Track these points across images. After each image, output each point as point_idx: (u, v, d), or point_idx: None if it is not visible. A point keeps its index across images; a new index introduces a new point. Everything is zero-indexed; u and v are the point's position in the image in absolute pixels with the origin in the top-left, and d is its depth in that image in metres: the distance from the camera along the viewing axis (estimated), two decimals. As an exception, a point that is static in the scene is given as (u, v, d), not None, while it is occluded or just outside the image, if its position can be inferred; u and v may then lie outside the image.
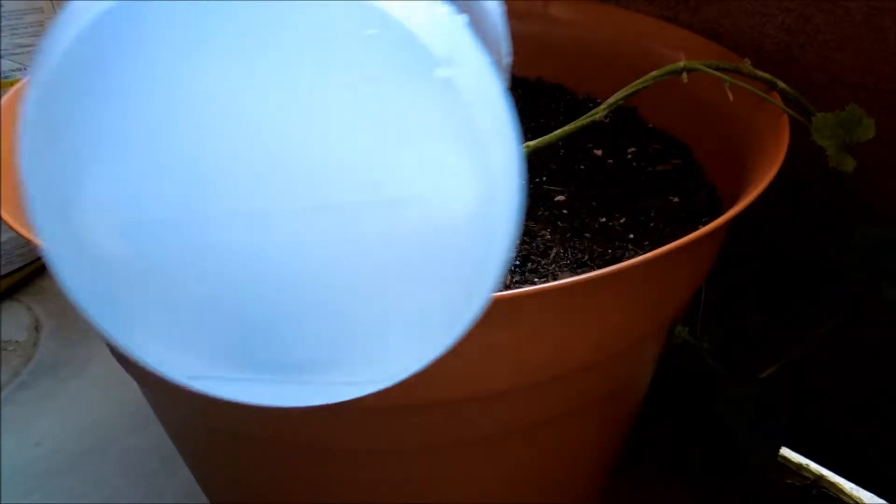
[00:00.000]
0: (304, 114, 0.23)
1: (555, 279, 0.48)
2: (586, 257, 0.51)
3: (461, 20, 0.25)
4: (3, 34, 0.86)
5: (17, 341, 0.89)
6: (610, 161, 0.61)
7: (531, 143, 0.54)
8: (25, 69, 0.88)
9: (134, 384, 0.54)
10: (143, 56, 0.23)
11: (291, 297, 0.25)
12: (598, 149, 0.63)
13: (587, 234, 0.53)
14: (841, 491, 0.72)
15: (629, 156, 0.62)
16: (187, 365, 0.28)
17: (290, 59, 0.23)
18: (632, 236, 0.53)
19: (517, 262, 0.50)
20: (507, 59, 0.31)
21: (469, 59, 0.25)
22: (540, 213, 0.55)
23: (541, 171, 0.60)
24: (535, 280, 0.48)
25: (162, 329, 0.27)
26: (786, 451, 0.75)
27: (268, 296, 0.25)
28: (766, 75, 0.54)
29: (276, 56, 0.23)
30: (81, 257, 0.25)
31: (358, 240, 0.24)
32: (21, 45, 0.88)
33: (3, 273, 0.92)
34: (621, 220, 0.55)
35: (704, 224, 0.52)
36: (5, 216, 0.45)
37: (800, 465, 0.74)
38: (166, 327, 0.27)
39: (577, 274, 0.48)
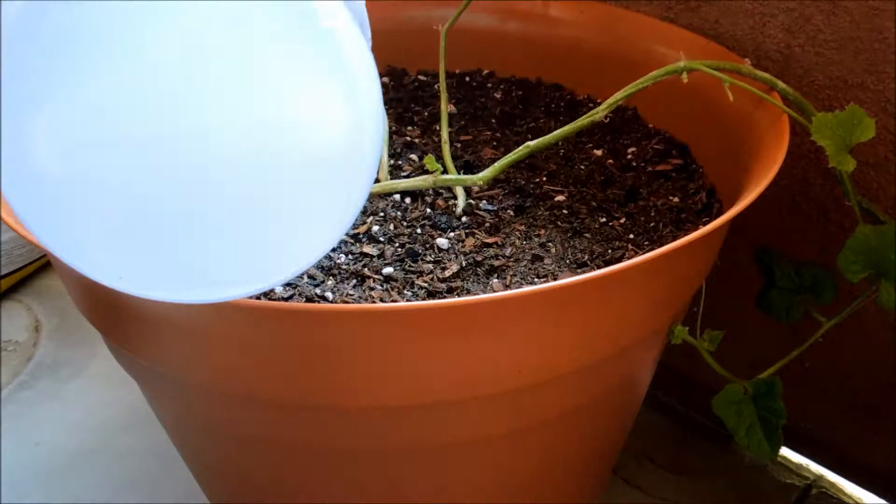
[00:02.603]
0: (206, 64, 0.31)
1: (555, 279, 0.48)
2: (586, 257, 0.51)
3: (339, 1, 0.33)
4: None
5: (17, 341, 0.89)
6: (610, 161, 0.61)
7: (531, 143, 0.54)
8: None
9: (134, 384, 0.54)
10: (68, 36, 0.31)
11: (195, 201, 0.32)
12: (598, 149, 0.63)
13: (587, 234, 0.53)
14: (841, 491, 0.72)
15: (629, 156, 0.62)
16: (115, 266, 0.34)
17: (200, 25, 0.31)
18: (632, 236, 0.53)
19: (516, 261, 0.50)
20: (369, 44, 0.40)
21: (346, 21, 0.32)
22: (540, 213, 0.55)
23: (541, 171, 0.60)
24: (536, 280, 0.48)
25: (94, 234, 0.33)
26: (786, 451, 0.75)
27: (174, 195, 0.32)
28: (766, 75, 0.54)
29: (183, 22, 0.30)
30: (31, 183, 0.32)
31: (253, 153, 0.32)
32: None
33: (3, 273, 0.92)
34: (621, 220, 0.55)
35: (704, 224, 0.52)
36: (5, 216, 0.45)
37: (800, 465, 0.74)
38: (97, 232, 0.33)
39: (577, 274, 0.48)
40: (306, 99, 0.32)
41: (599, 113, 0.53)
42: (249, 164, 0.32)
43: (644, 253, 0.47)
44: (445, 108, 0.61)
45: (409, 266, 0.49)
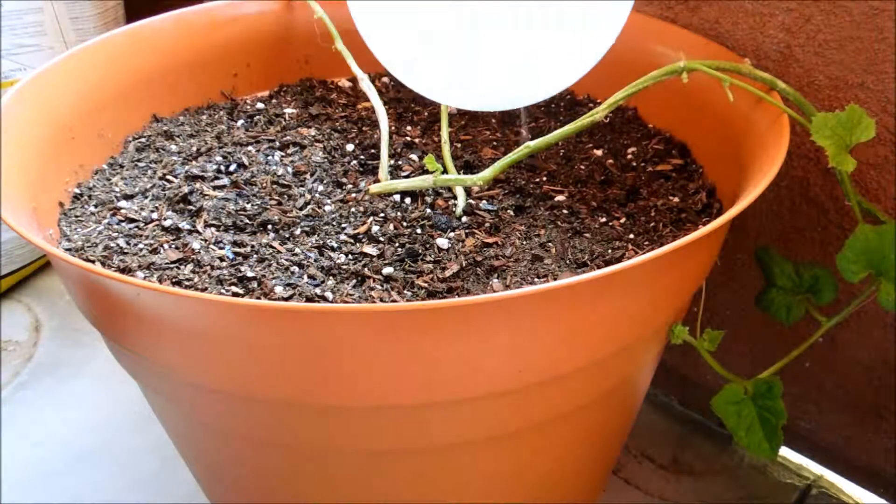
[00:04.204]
0: None
1: (555, 279, 0.48)
2: (586, 257, 0.51)
3: None
4: (2, 34, 0.86)
5: (17, 341, 0.89)
6: (610, 161, 0.61)
7: (531, 143, 0.54)
8: (25, 69, 0.88)
9: (134, 384, 0.54)
10: None
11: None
12: (598, 149, 0.63)
13: (587, 234, 0.53)
14: (841, 491, 0.72)
15: (629, 156, 0.62)
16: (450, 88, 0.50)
17: None
18: (632, 236, 0.53)
19: (515, 262, 0.50)
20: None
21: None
22: (540, 213, 0.55)
23: (541, 171, 0.60)
24: (536, 280, 0.48)
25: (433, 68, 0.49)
26: (786, 451, 0.75)
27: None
28: (766, 75, 0.54)
29: None
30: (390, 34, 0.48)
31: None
32: (21, 45, 0.88)
33: (3, 273, 0.92)
34: (621, 220, 0.55)
35: (704, 224, 0.52)
36: (5, 216, 0.45)
37: (800, 465, 0.74)
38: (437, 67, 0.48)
39: (577, 274, 0.48)
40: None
41: (599, 113, 0.53)
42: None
43: (644, 253, 0.47)
44: (445, 108, 0.61)
45: (409, 266, 0.49)
